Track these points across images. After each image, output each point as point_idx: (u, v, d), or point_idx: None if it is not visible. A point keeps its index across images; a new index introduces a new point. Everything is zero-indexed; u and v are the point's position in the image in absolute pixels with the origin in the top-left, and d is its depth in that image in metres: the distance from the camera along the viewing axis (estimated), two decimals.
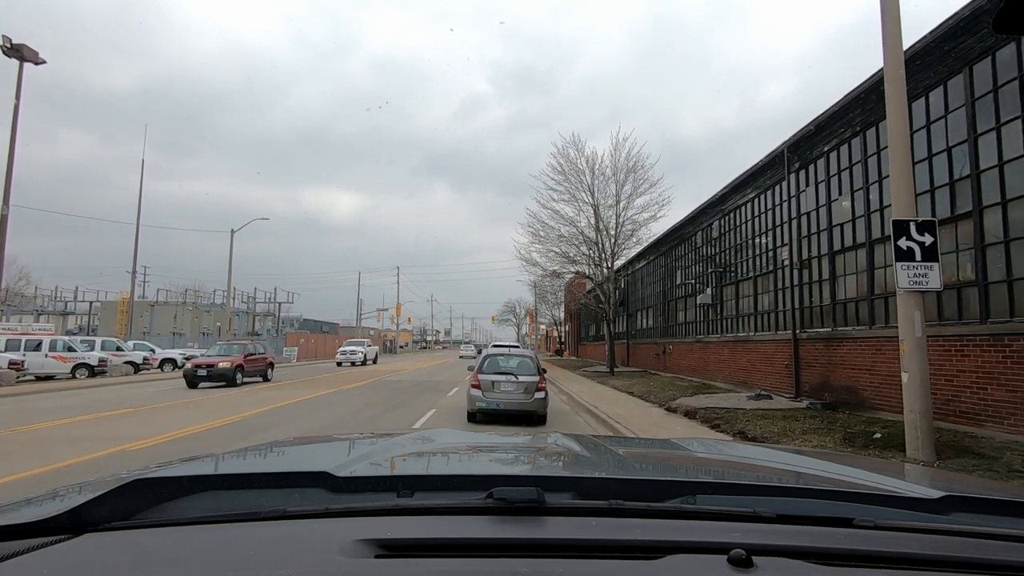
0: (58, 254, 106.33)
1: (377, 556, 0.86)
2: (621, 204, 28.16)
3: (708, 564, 0.83)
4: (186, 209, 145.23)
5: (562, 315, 67.52)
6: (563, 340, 67.94)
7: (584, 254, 29.59)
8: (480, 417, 10.60)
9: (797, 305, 13.54)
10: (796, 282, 13.62)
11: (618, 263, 29.47)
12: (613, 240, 28.60)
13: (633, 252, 28.80)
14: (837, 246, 12.25)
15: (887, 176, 10.55)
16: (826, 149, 12.56)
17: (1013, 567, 0.88)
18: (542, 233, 30.22)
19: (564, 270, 31.69)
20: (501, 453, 1.87)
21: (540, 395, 10.57)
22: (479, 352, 18.17)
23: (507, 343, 20.11)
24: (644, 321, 30.22)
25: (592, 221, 29.18)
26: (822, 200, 12.86)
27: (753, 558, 0.82)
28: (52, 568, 0.85)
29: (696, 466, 1.77)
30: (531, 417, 10.55)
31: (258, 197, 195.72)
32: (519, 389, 10.45)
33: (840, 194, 12.16)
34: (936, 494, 1.14)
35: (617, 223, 28.32)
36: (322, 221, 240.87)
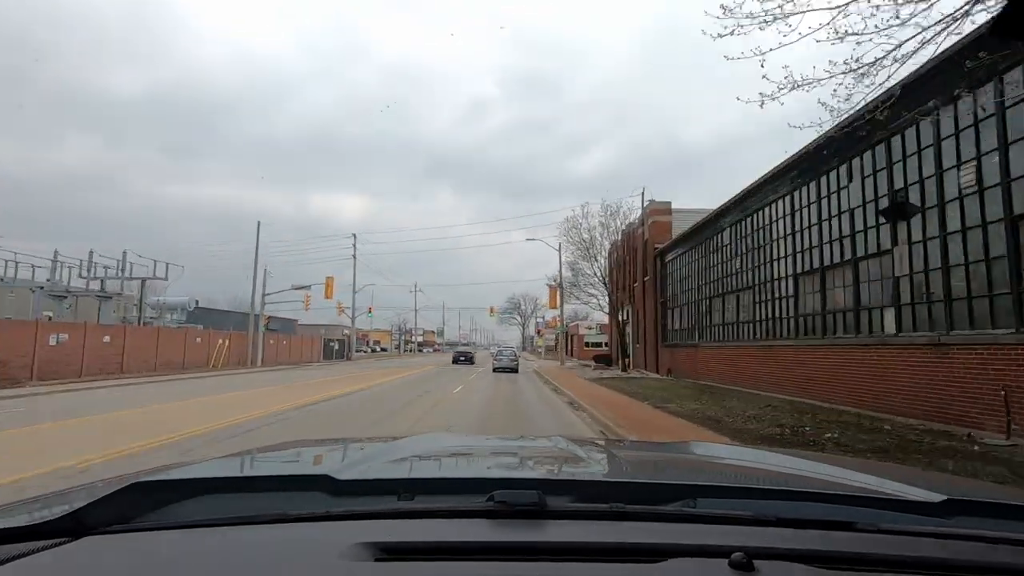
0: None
1: (377, 559, 0.85)
2: None
3: (709, 567, 0.82)
4: (195, 212, 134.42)
5: (607, 295, 34.53)
6: (622, 338, 33.98)
7: None
8: (495, 371, 31.97)
9: None
10: None
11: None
12: None
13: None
14: None
15: None
16: None
17: (1015, 571, 0.88)
18: None
19: None
20: (502, 456, 1.84)
21: (516, 362, 34.31)
22: (499, 348, 46.05)
23: (507, 344, 60.22)
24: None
25: None
26: None
27: (754, 561, 0.81)
28: (52, 571, 0.85)
29: (697, 469, 1.76)
30: (513, 370, 32.31)
31: (266, 200, 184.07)
32: (508, 360, 33.56)
33: None
34: (938, 498, 1.11)
35: None
36: (325, 224, 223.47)
